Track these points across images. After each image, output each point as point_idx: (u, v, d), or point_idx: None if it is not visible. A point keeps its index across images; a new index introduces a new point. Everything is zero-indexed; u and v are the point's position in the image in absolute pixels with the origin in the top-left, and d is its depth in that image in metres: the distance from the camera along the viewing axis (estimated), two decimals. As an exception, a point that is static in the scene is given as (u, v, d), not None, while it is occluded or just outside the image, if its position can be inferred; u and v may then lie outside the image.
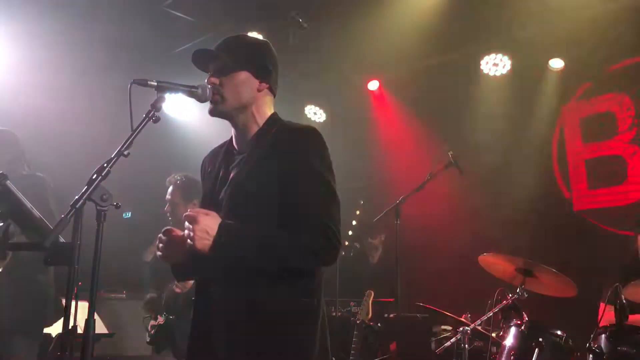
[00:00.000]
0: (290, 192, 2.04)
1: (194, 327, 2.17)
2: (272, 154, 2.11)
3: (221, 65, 2.19)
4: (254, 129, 2.22)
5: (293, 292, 2.05)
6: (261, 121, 2.22)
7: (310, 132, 2.15)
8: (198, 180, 4.22)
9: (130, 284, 5.83)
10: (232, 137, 2.31)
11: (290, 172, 2.06)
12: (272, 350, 1.99)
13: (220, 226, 1.94)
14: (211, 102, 2.18)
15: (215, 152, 2.39)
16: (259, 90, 2.22)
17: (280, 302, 2.03)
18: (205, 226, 1.92)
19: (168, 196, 4.21)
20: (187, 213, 1.96)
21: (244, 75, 2.19)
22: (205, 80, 2.19)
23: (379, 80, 6.74)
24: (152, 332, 4.12)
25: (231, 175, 2.20)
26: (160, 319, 4.08)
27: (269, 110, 2.26)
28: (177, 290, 3.94)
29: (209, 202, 2.22)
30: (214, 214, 1.98)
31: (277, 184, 2.06)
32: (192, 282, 3.92)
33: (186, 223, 1.94)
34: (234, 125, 2.25)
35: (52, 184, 3.79)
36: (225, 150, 2.32)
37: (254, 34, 5.83)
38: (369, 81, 6.74)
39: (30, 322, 3.61)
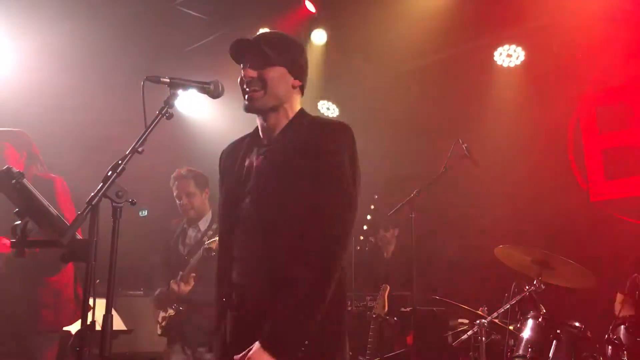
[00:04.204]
0: (313, 183, 2.05)
1: (218, 325, 2.18)
2: (300, 145, 2.13)
3: (260, 58, 2.18)
4: (283, 123, 2.23)
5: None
6: (291, 116, 2.25)
7: (340, 127, 2.17)
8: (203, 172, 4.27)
9: (147, 281, 5.87)
10: (256, 129, 2.31)
11: (316, 164, 2.07)
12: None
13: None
14: (248, 98, 2.18)
15: (236, 145, 2.39)
16: (293, 87, 2.24)
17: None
18: None
19: (181, 189, 4.25)
20: None
21: (281, 70, 2.20)
22: (242, 74, 2.19)
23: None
24: (162, 323, 4.14)
25: (255, 164, 2.21)
26: (171, 311, 4.09)
27: (298, 108, 2.29)
28: (174, 286, 3.97)
29: (235, 194, 2.22)
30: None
31: (303, 175, 2.07)
32: (192, 283, 3.96)
33: None
34: (265, 120, 2.24)
35: (66, 185, 3.80)
36: (249, 143, 2.32)
37: (265, 30, 5.85)
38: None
39: (46, 322, 3.65)
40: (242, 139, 2.38)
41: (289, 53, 2.24)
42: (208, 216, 4.31)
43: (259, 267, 2.06)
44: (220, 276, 2.21)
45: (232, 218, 2.20)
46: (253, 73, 2.17)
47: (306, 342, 1.93)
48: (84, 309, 1.76)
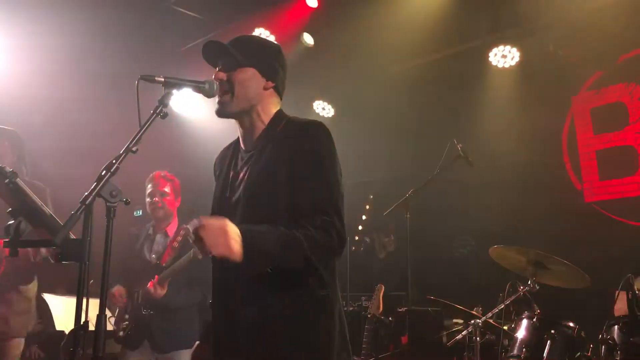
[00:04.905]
0: (298, 188, 2.04)
1: (215, 327, 2.17)
2: (281, 151, 2.10)
3: (229, 60, 2.18)
4: (260, 127, 2.21)
5: (307, 286, 2.04)
6: (267, 120, 2.22)
7: (316, 127, 2.14)
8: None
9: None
10: (238, 137, 2.31)
11: (299, 168, 2.06)
12: (292, 346, 1.97)
13: (242, 229, 1.85)
14: (218, 102, 2.18)
15: (223, 153, 2.39)
16: (265, 89, 2.21)
17: (295, 297, 2.02)
18: (231, 231, 1.81)
19: (157, 187, 4.19)
20: (197, 223, 1.80)
21: (250, 72, 2.18)
22: (213, 77, 2.18)
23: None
24: (124, 326, 4.07)
25: (240, 175, 2.19)
26: (139, 314, 4.03)
27: (274, 110, 2.26)
28: (150, 289, 3.90)
29: (221, 204, 2.22)
30: (222, 219, 1.87)
31: (287, 180, 2.05)
32: (166, 287, 3.93)
33: (197, 233, 1.80)
34: (241, 124, 2.24)
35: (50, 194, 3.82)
36: (232, 151, 2.32)
37: (260, 30, 5.85)
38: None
39: (16, 328, 3.70)
40: (229, 146, 2.38)
41: (260, 54, 2.22)
42: (175, 223, 4.26)
43: (255, 277, 2.03)
44: (216, 286, 2.21)
45: None
46: (222, 75, 2.17)
47: (270, 263, 1.91)
48: (77, 309, 1.75)
